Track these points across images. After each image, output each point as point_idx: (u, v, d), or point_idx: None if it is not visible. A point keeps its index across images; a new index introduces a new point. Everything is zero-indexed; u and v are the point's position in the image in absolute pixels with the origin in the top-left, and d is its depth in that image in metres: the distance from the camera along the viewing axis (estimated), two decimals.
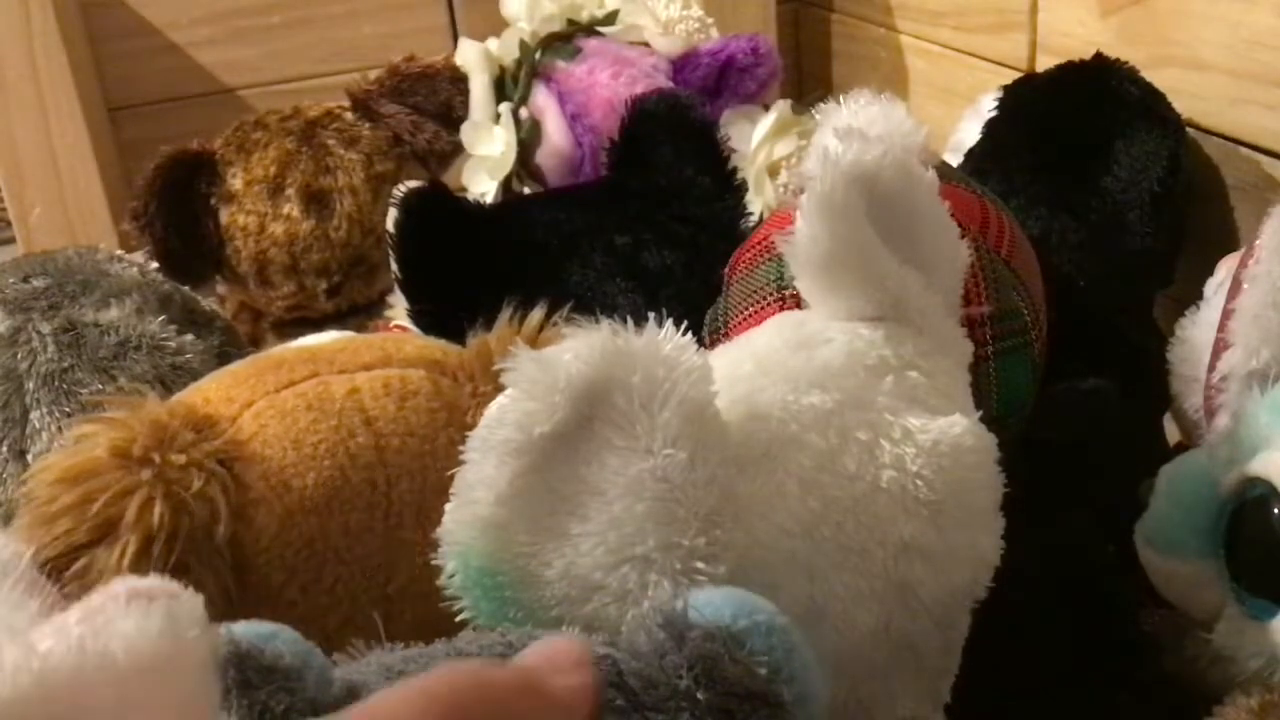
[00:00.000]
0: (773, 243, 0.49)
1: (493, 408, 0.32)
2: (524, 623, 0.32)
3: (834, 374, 0.36)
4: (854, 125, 0.39)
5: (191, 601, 0.24)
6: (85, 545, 0.38)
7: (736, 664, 0.28)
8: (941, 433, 0.35)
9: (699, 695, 0.28)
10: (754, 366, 0.36)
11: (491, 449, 0.32)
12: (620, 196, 0.64)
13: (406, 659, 0.30)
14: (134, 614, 0.23)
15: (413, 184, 0.59)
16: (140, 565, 0.37)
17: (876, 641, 0.34)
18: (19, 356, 0.52)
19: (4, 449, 0.51)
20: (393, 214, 0.57)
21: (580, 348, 0.31)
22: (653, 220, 0.62)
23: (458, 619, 0.33)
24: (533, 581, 0.32)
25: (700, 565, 0.31)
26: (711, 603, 0.29)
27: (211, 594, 0.38)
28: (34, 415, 0.51)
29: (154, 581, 0.24)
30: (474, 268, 0.58)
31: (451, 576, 0.33)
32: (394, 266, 0.58)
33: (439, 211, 0.59)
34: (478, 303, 0.48)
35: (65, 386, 0.52)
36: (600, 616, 0.31)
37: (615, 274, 0.60)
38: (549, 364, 0.31)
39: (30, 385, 0.52)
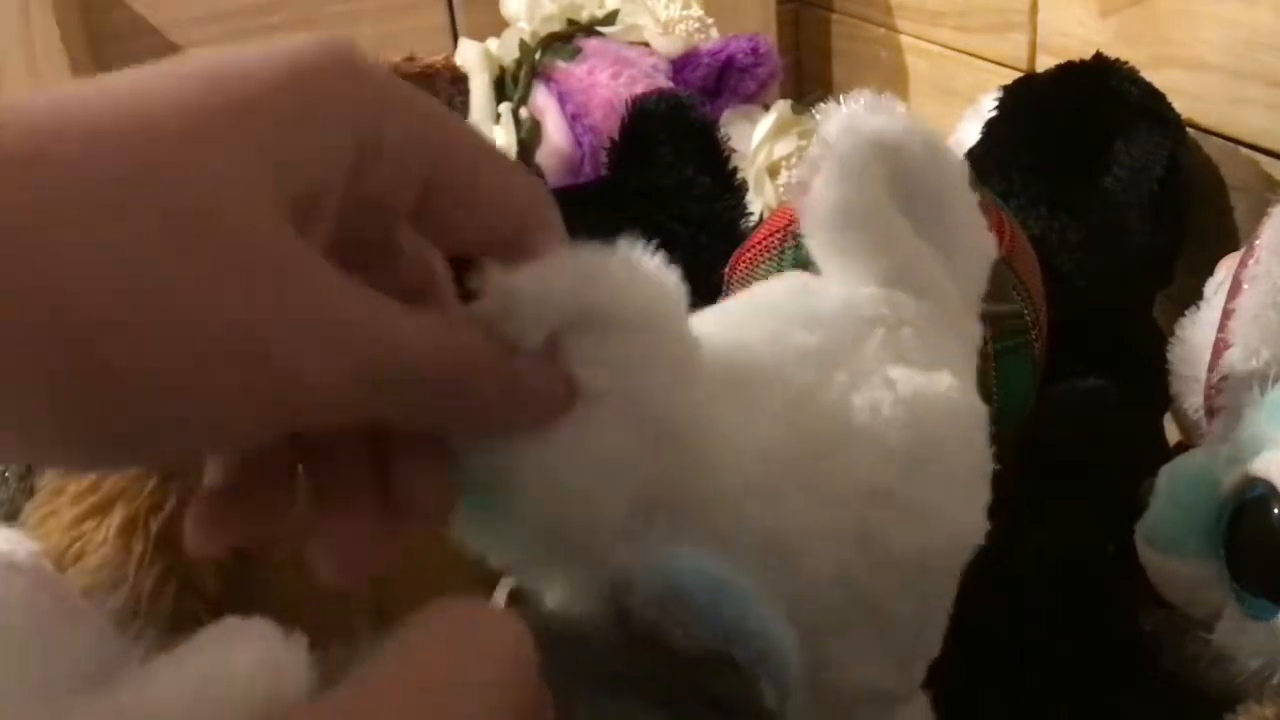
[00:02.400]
0: (773, 242, 0.49)
1: None
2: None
3: (825, 319, 0.35)
4: (884, 100, 0.38)
5: (298, 641, 0.24)
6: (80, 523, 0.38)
7: (682, 628, 0.27)
8: (924, 386, 0.34)
9: (655, 661, 0.27)
10: (749, 308, 0.36)
11: None
12: (620, 196, 0.64)
13: None
14: (243, 650, 0.23)
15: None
16: (125, 537, 0.38)
17: (836, 590, 0.33)
18: None
19: None
20: None
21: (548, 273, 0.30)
22: (653, 220, 0.62)
23: None
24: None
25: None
26: (658, 566, 0.28)
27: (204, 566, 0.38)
28: None
29: (258, 623, 0.24)
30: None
31: None
32: None
33: None
34: None
35: None
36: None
37: None
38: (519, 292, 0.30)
39: None
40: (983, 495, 0.35)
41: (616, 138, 0.65)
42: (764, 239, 0.51)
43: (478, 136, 0.29)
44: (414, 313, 0.26)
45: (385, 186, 0.27)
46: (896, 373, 0.34)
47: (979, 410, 0.36)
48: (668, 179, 0.63)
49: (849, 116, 0.36)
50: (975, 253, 0.39)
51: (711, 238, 0.61)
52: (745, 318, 0.36)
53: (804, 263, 0.41)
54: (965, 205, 0.39)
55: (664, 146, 0.63)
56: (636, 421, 0.29)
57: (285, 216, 0.24)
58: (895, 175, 0.36)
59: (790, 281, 0.38)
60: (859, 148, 0.35)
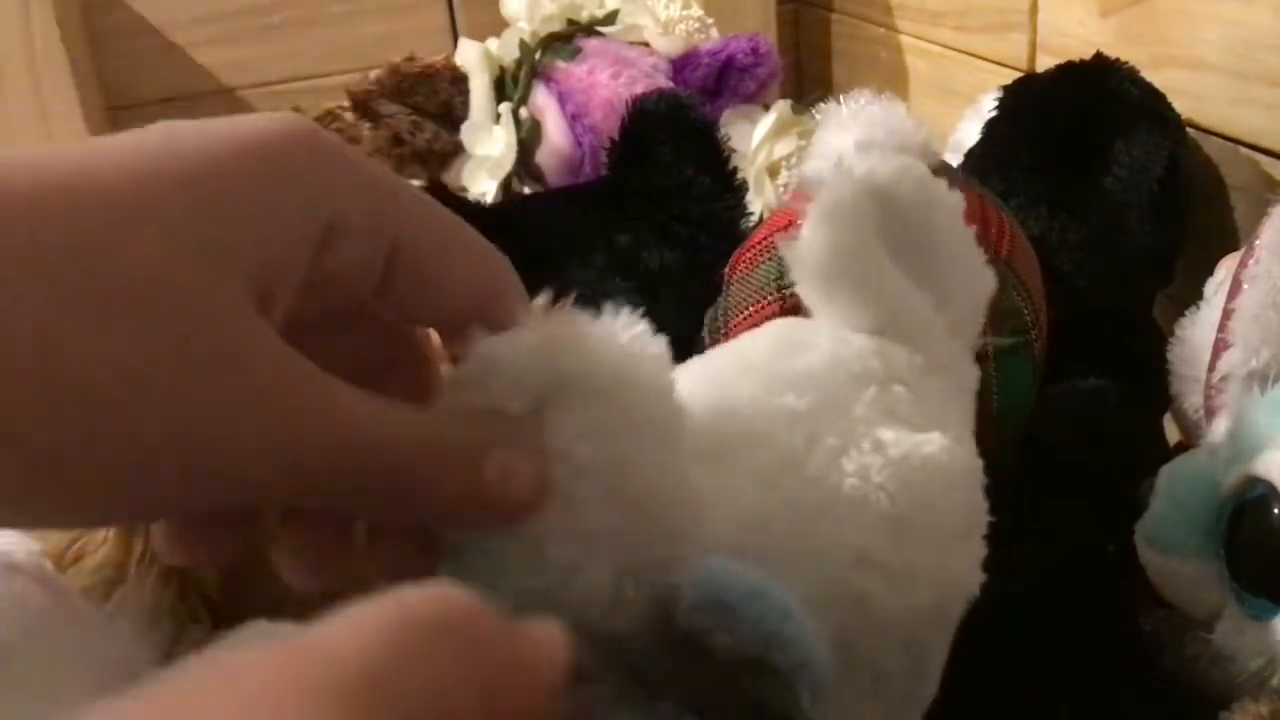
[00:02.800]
0: (773, 243, 0.49)
1: None
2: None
3: (813, 379, 0.35)
4: (875, 139, 0.38)
5: None
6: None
7: (726, 635, 0.27)
8: (913, 448, 0.34)
9: (696, 669, 0.27)
10: (737, 366, 0.36)
11: None
12: (620, 196, 0.64)
13: None
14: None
15: (414, 184, 0.59)
16: (125, 537, 0.38)
17: (835, 653, 0.33)
18: None
19: None
20: None
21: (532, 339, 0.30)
22: (653, 220, 0.62)
23: None
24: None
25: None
26: (700, 575, 0.28)
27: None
28: None
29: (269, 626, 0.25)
30: None
31: None
32: None
33: None
34: None
35: None
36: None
37: (615, 274, 0.60)
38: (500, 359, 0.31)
39: None
40: (975, 550, 0.35)
41: (616, 138, 0.65)
42: (764, 239, 0.51)
43: (440, 210, 0.29)
44: (370, 401, 0.25)
45: (349, 264, 0.26)
46: (887, 435, 0.34)
47: (971, 467, 0.35)
48: (668, 179, 0.63)
49: (840, 161, 0.35)
50: (971, 292, 0.39)
51: (711, 238, 0.61)
52: (732, 377, 0.35)
53: None
54: (960, 243, 0.38)
55: (664, 146, 0.63)
56: (620, 493, 0.29)
57: (243, 292, 0.24)
58: (886, 218, 0.36)
59: (778, 333, 0.37)
60: (847, 194, 0.35)
